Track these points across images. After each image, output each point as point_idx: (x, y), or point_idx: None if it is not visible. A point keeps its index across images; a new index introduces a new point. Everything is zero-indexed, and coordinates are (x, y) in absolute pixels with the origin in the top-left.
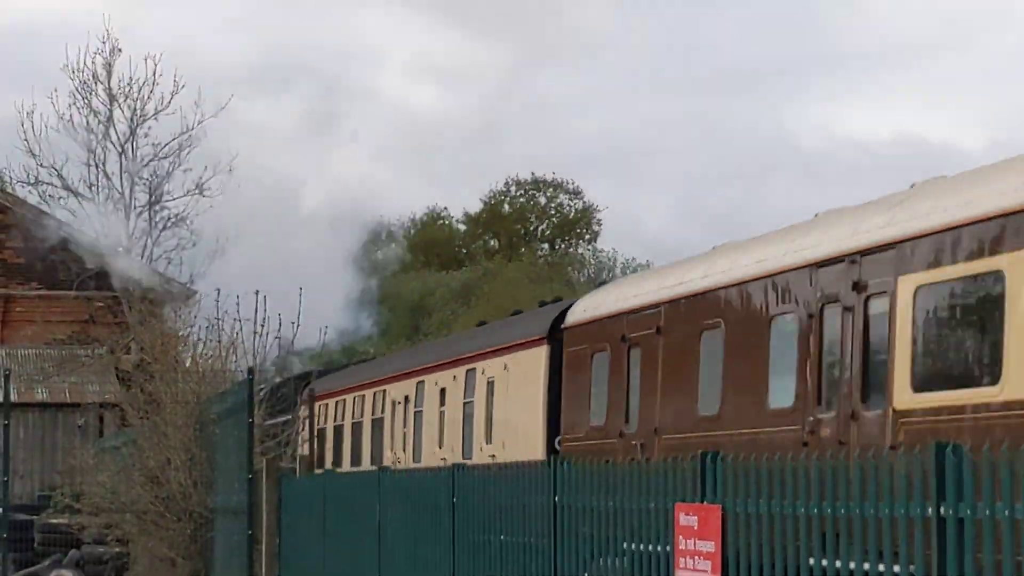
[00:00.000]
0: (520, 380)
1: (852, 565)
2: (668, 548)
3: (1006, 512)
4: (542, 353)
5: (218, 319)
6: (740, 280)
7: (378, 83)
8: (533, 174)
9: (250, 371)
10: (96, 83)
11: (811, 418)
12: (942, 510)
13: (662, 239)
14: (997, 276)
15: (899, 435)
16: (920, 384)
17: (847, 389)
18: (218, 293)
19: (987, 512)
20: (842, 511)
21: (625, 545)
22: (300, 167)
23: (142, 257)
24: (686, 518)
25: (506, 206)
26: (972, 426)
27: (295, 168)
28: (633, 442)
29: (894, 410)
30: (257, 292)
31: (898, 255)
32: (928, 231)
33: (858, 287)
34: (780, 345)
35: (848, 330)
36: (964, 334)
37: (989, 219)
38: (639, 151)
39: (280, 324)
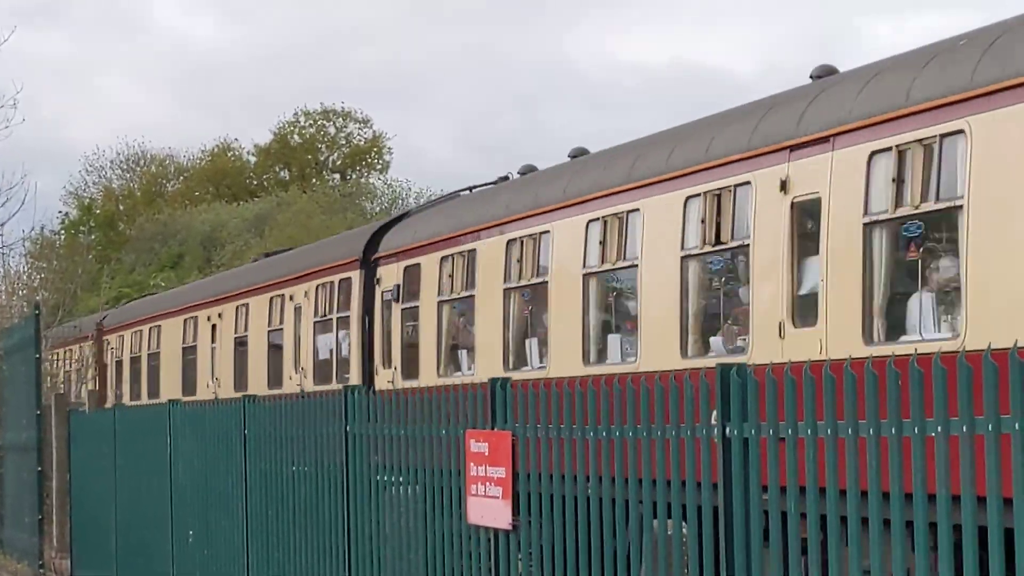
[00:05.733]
0: None
1: (642, 493)
2: (460, 475)
3: (789, 431)
4: None
5: (2, 253)
6: None
7: (154, 15)
8: (322, 104)
9: (36, 306)
10: None
11: None
12: (727, 431)
13: (447, 168)
14: None
15: None
16: None
17: None
18: (1, 227)
19: (771, 432)
20: (630, 434)
21: (417, 473)
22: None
23: None
24: (477, 444)
25: (296, 137)
26: None
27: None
28: None
29: None
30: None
31: None
32: None
33: None
34: None
35: None
36: None
37: None
38: (422, 81)
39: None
